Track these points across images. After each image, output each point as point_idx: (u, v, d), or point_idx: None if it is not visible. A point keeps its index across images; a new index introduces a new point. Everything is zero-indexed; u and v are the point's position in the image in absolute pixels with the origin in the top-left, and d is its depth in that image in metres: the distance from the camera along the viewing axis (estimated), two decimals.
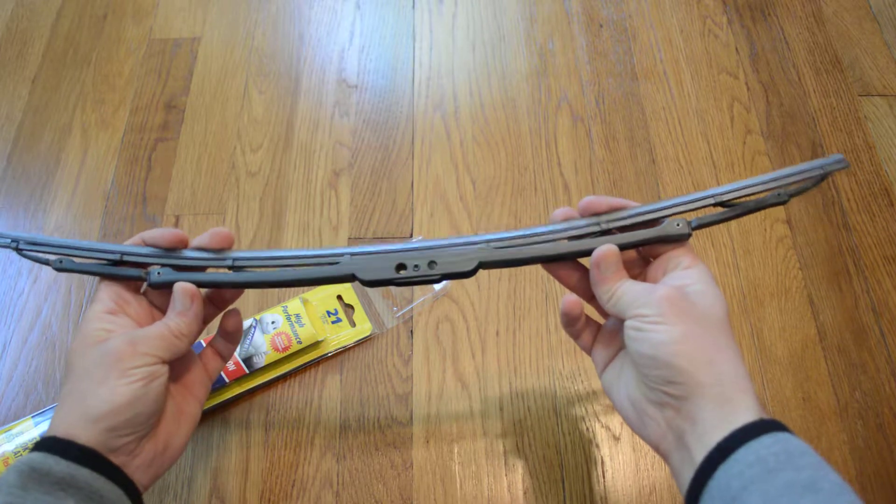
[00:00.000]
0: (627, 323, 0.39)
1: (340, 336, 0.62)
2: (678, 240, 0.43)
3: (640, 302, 0.39)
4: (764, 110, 0.76)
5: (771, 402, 0.60)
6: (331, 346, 0.62)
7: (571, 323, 0.45)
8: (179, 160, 0.73)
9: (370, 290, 0.65)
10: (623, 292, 0.40)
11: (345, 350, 0.62)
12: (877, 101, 0.76)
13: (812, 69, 0.78)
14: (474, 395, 0.61)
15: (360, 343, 0.63)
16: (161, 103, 0.76)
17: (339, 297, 0.64)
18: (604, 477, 0.57)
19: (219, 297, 0.47)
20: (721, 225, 0.69)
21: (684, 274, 0.41)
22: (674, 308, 0.38)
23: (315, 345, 0.61)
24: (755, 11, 0.83)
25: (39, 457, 0.36)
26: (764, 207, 0.43)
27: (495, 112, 0.75)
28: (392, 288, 0.65)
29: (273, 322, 0.60)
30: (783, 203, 0.43)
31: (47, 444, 0.37)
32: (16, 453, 0.54)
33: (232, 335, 0.47)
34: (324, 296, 0.64)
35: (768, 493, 0.32)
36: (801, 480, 0.32)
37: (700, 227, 0.43)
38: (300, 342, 0.60)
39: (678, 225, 0.42)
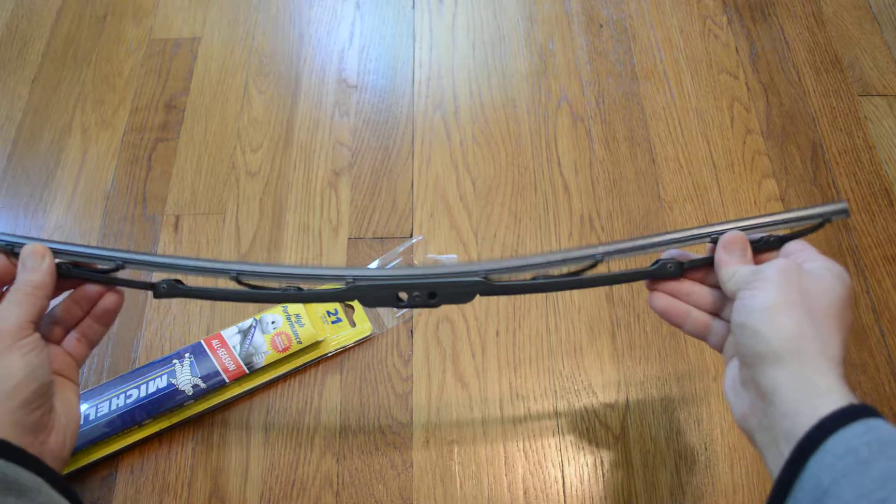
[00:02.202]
0: (737, 295, 0.39)
1: (340, 336, 0.62)
2: (669, 279, 0.43)
3: (755, 273, 0.39)
4: (764, 110, 0.76)
5: None
6: (331, 346, 0.62)
7: (677, 319, 0.44)
8: (179, 160, 0.73)
9: None
10: (744, 270, 0.40)
11: (345, 350, 0.62)
12: (877, 101, 0.76)
13: (812, 69, 0.78)
14: (474, 395, 0.61)
15: (360, 343, 0.63)
16: (161, 103, 0.76)
17: None
18: (604, 476, 0.57)
19: (90, 301, 0.46)
20: None
21: (809, 256, 0.40)
22: (783, 277, 0.37)
23: (315, 345, 0.61)
24: (755, 11, 0.83)
25: None
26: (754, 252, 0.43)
27: (495, 112, 0.75)
28: None
29: (273, 322, 0.60)
30: (773, 249, 0.42)
31: None
32: None
33: (107, 314, 0.46)
34: None
35: (862, 486, 0.30)
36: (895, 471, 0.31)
37: (692, 267, 0.43)
38: (300, 342, 0.60)
39: (669, 267, 0.43)
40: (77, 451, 0.55)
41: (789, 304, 0.36)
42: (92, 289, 0.45)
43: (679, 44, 0.80)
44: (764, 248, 0.42)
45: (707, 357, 0.62)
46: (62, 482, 0.39)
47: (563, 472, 0.57)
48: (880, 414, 0.34)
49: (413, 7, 0.83)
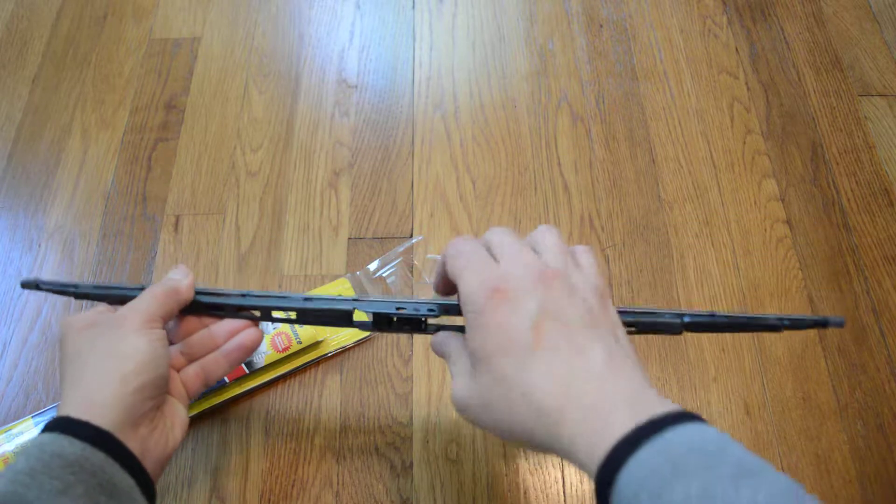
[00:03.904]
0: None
1: (340, 336, 0.62)
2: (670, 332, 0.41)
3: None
4: (764, 110, 0.76)
5: (771, 402, 0.60)
6: (331, 346, 0.62)
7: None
8: (179, 160, 0.73)
9: (370, 290, 0.65)
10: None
11: (345, 350, 0.62)
12: (877, 101, 0.76)
13: (812, 69, 0.78)
14: None
15: (360, 343, 0.63)
16: (161, 103, 0.76)
17: None
18: None
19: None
20: (721, 225, 0.69)
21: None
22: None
23: (315, 345, 0.61)
24: (755, 11, 0.83)
25: (50, 437, 0.34)
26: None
27: (495, 112, 0.75)
28: (392, 288, 0.65)
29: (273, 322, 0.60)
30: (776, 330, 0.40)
31: (60, 425, 0.35)
32: (15, 453, 0.54)
33: (240, 350, 0.46)
34: None
35: None
36: (692, 494, 0.27)
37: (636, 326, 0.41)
38: (300, 342, 0.60)
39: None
40: None
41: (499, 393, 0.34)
42: (236, 323, 0.46)
43: (679, 44, 0.80)
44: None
45: (707, 357, 0.62)
46: (152, 490, 0.38)
47: (563, 472, 0.57)
48: (673, 419, 0.30)
49: (413, 7, 0.83)
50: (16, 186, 0.71)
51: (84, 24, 0.82)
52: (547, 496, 0.56)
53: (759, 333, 0.63)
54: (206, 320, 0.47)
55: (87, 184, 0.71)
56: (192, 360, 0.46)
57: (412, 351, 0.63)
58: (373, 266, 0.66)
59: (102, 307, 0.44)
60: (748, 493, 0.26)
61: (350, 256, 0.67)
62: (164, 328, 0.42)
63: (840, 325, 0.39)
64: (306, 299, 0.44)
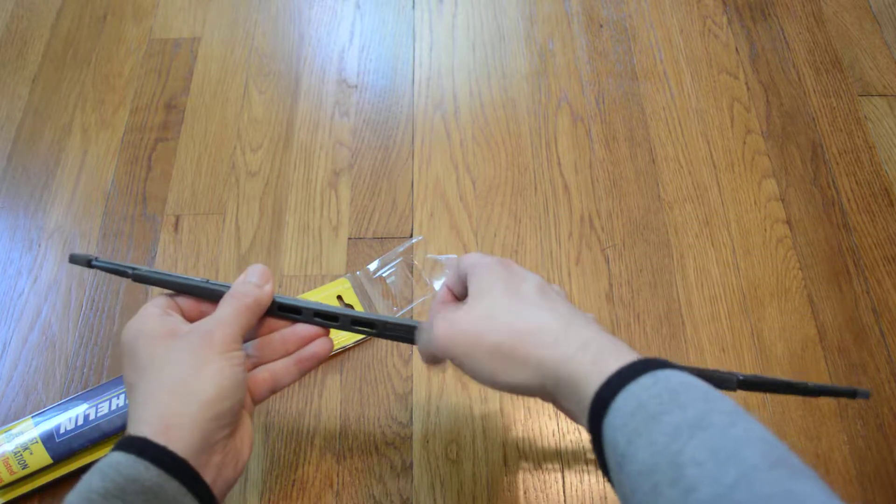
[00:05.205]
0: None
1: (340, 336, 0.62)
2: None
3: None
4: (764, 110, 0.76)
5: (771, 402, 0.60)
6: None
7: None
8: (179, 160, 0.73)
9: (370, 290, 0.65)
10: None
11: (345, 350, 0.62)
12: (877, 101, 0.76)
13: (812, 69, 0.78)
14: (474, 395, 0.61)
15: (360, 343, 0.63)
16: (161, 103, 0.76)
17: (339, 297, 0.64)
18: (604, 476, 0.57)
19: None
20: (721, 225, 0.69)
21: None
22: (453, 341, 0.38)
23: None
24: (755, 11, 0.83)
25: (126, 459, 0.33)
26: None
27: (495, 112, 0.75)
28: (392, 288, 0.65)
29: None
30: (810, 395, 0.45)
31: (136, 445, 0.34)
32: (15, 453, 0.54)
33: (313, 359, 0.44)
34: (323, 296, 0.64)
35: (656, 443, 0.29)
36: (688, 419, 0.29)
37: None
38: None
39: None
40: (77, 452, 0.55)
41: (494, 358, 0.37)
42: (309, 329, 0.44)
43: (679, 44, 0.80)
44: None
45: (707, 357, 0.62)
46: None
47: (563, 472, 0.57)
48: (671, 363, 0.32)
49: (413, 7, 0.83)
50: (16, 186, 0.71)
51: (84, 24, 0.82)
52: (547, 496, 0.56)
53: (758, 329, 0.63)
54: (276, 323, 0.44)
55: (87, 184, 0.71)
56: (259, 362, 0.44)
57: (412, 351, 0.62)
58: (373, 266, 0.66)
59: (162, 300, 0.41)
60: (742, 429, 0.29)
61: (350, 256, 0.67)
62: (242, 347, 0.40)
63: (866, 396, 0.44)
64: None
